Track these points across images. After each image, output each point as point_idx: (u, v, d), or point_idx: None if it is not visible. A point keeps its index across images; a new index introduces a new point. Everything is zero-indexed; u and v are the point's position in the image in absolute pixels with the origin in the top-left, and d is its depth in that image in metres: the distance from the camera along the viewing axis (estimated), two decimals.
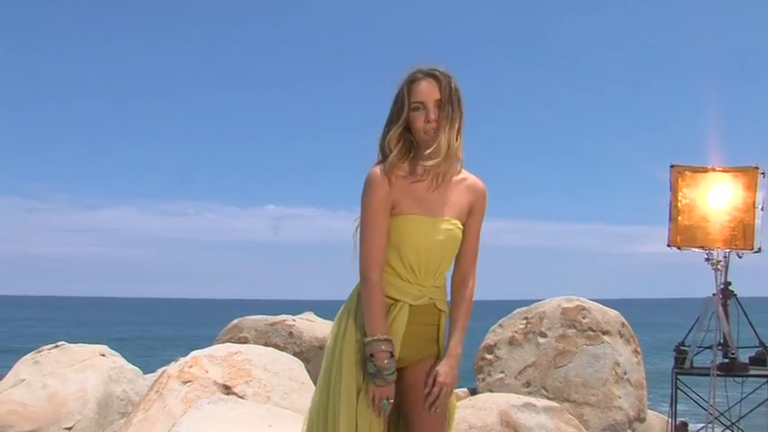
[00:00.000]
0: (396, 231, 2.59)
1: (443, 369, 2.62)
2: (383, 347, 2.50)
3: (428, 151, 2.57)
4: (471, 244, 2.73)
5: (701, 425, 6.72)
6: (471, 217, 2.72)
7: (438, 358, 2.71)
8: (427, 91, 2.57)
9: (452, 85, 2.59)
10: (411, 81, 2.59)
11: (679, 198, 6.47)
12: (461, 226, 2.68)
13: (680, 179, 6.46)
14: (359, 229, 2.62)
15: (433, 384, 2.60)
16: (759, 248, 6.40)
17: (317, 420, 2.63)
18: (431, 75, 2.59)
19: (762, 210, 6.39)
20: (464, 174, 2.72)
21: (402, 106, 2.59)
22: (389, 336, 2.53)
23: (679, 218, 6.46)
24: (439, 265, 2.64)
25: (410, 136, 2.62)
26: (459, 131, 2.60)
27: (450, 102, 2.57)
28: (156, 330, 58.86)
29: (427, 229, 2.60)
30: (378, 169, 2.59)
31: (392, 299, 2.60)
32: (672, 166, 6.51)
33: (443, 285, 2.71)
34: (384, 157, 2.61)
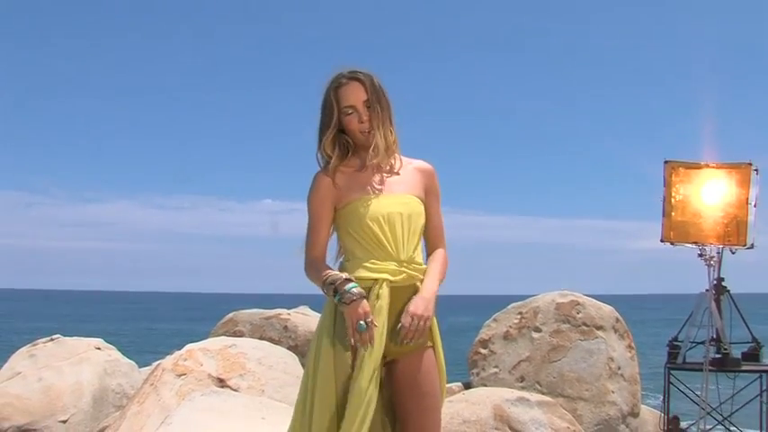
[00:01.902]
0: (353, 216, 2.67)
1: (414, 301, 2.63)
2: (340, 278, 2.57)
3: (370, 151, 2.69)
4: (435, 222, 2.83)
5: (693, 420, 6.75)
6: (429, 197, 2.81)
7: (434, 347, 2.72)
8: (354, 94, 2.68)
9: (376, 83, 2.70)
10: (336, 87, 2.69)
11: (673, 194, 6.50)
12: (420, 202, 2.76)
13: (674, 175, 6.49)
14: (307, 225, 2.73)
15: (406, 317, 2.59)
16: (752, 244, 6.43)
17: (300, 419, 2.64)
18: (354, 78, 2.69)
19: (754, 206, 6.42)
20: (407, 159, 2.82)
21: (332, 112, 2.69)
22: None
23: (672, 214, 6.49)
24: (407, 238, 2.68)
25: (345, 137, 2.72)
26: (390, 125, 2.73)
27: (377, 101, 2.69)
28: (152, 324, 58.85)
29: (384, 202, 2.68)
30: (320, 172, 2.73)
31: (371, 279, 2.62)
32: (666, 162, 6.54)
33: (422, 265, 2.74)
34: (324, 161, 2.73)
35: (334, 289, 2.55)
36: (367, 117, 2.68)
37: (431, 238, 2.83)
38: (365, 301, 2.54)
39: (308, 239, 2.72)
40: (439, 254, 2.83)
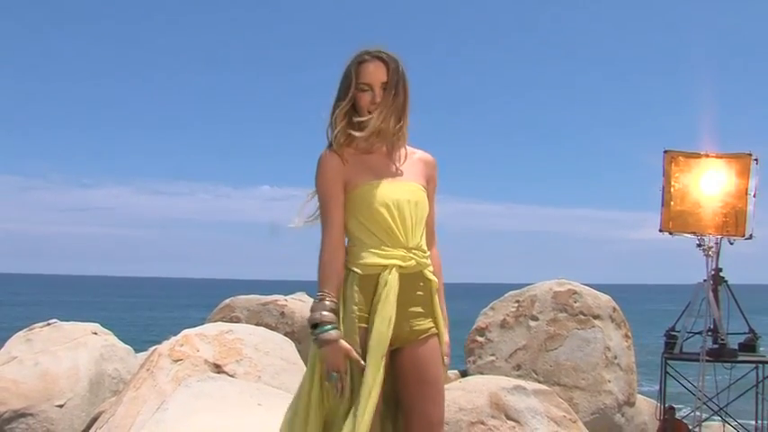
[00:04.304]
0: (362, 201, 2.63)
1: (446, 351, 2.73)
2: (318, 299, 2.52)
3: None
4: (433, 214, 2.82)
5: (689, 409, 6.77)
6: (429, 188, 2.79)
7: (439, 335, 2.70)
8: (374, 73, 2.64)
9: (399, 69, 2.66)
10: (359, 62, 2.65)
11: (672, 183, 6.49)
12: (423, 191, 2.74)
13: (673, 165, 6.47)
14: (319, 208, 2.68)
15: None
16: (751, 235, 6.42)
17: (297, 405, 2.61)
18: (378, 57, 2.65)
19: (754, 196, 6.41)
20: (411, 149, 2.78)
21: (349, 85, 2.64)
22: (332, 293, 2.54)
23: (671, 203, 6.48)
24: (415, 225, 2.66)
25: (356, 114, 2.67)
26: (403, 113, 2.67)
27: (395, 86, 2.64)
28: (149, 309, 58.91)
29: (393, 188, 2.65)
30: (327, 151, 2.67)
31: (381, 266, 2.59)
32: (665, 152, 6.52)
33: (427, 253, 2.72)
34: (332, 134, 2.67)
35: (314, 324, 2.51)
36: (380, 99, 2.63)
37: (427, 230, 2.79)
38: (341, 343, 2.49)
39: (324, 222, 2.65)
40: (436, 263, 2.81)
